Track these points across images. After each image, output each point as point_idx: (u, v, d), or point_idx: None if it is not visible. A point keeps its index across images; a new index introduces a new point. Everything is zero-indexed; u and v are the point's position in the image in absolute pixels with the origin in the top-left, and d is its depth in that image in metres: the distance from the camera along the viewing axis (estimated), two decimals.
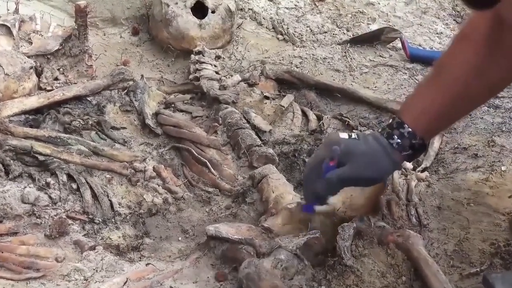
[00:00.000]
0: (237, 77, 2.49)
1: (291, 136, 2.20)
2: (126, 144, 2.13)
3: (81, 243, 1.73)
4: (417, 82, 2.61)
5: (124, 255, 1.76)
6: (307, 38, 2.93)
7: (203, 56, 2.53)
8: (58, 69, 2.31)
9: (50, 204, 1.82)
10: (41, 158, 1.91)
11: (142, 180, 2.00)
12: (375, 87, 2.64)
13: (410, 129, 1.47)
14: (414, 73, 2.72)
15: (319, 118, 2.32)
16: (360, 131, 2.24)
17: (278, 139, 2.19)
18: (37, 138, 1.98)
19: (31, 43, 2.32)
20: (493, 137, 2.22)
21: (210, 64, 2.50)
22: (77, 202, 1.86)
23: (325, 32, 2.98)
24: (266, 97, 2.38)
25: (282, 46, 2.90)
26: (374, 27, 3.03)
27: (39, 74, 2.25)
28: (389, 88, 2.63)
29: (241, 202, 1.95)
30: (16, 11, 2.45)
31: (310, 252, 1.58)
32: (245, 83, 2.45)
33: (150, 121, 2.21)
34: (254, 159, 2.06)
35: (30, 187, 1.84)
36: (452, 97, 1.45)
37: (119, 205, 1.91)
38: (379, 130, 1.52)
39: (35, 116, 2.11)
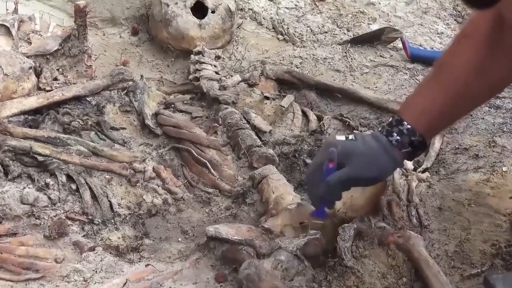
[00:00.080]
0: (237, 77, 2.48)
1: (291, 137, 2.20)
2: (125, 144, 2.12)
3: (80, 244, 1.73)
4: (417, 82, 2.61)
5: (123, 256, 1.75)
6: (308, 38, 2.93)
7: (203, 56, 2.53)
8: (58, 69, 2.31)
9: (50, 205, 1.82)
10: (40, 158, 1.91)
11: (142, 181, 1.99)
12: (376, 87, 2.64)
13: (409, 126, 1.46)
14: (415, 73, 2.72)
15: (320, 119, 2.31)
16: (361, 131, 2.24)
17: (278, 140, 2.19)
18: (36, 139, 1.98)
19: (30, 43, 2.32)
20: (494, 137, 2.22)
21: (210, 64, 2.50)
22: (76, 202, 1.86)
23: (326, 32, 2.97)
24: (266, 98, 2.38)
25: (282, 46, 2.89)
26: (374, 27, 3.03)
27: (38, 74, 2.25)
28: (390, 89, 2.63)
29: (241, 203, 1.95)
30: (15, 11, 2.45)
31: (310, 253, 1.57)
32: (245, 83, 2.45)
33: (149, 122, 2.20)
34: (254, 160, 2.06)
35: (29, 188, 1.84)
36: (453, 96, 1.45)
37: (118, 205, 1.90)
38: (379, 129, 1.52)
39: (34, 116, 2.11)
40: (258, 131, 2.19)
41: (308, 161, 2.06)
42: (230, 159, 2.11)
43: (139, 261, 1.73)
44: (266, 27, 2.98)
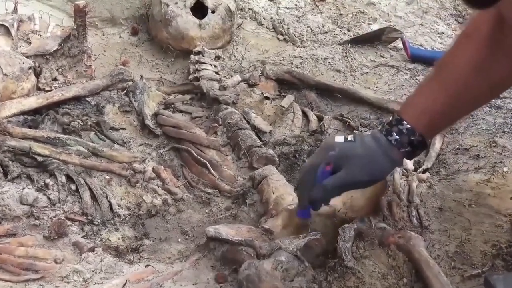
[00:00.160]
0: (237, 78, 2.48)
1: (291, 137, 2.19)
2: (125, 145, 2.12)
3: (80, 245, 1.73)
4: (418, 82, 2.60)
5: (123, 256, 1.75)
6: (308, 38, 2.92)
7: (203, 56, 2.53)
8: (57, 70, 2.30)
9: (49, 205, 1.82)
10: (39, 159, 1.91)
11: (142, 181, 1.99)
12: (376, 87, 2.63)
13: (409, 126, 1.45)
14: (415, 73, 2.72)
15: (320, 119, 2.31)
16: (361, 131, 2.23)
17: (278, 140, 2.18)
18: (35, 139, 1.97)
19: (29, 43, 2.31)
20: (494, 138, 2.22)
21: (210, 64, 2.50)
22: (76, 203, 1.86)
23: (326, 32, 2.97)
24: (266, 98, 2.37)
25: (283, 46, 2.89)
26: (375, 27, 3.02)
27: (37, 74, 2.24)
28: (390, 89, 2.62)
29: (241, 203, 1.94)
30: (15, 11, 2.44)
31: (310, 254, 1.57)
32: (245, 83, 2.44)
33: (149, 122, 2.20)
34: (254, 160, 2.05)
35: (28, 188, 1.83)
36: (453, 96, 1.45)
37: (118, 206, 1.90)
38: (379, 128, 1.51)
39: (33, 116, 2.10)
40: (258, 131, 2.18)
41: None
42: (230, 160, 2.11)
43: (139, 262, 1.73)
44: (266, 27, 2.98)
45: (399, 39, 2.87)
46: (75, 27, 2.34)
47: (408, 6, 3.20)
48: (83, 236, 1.78)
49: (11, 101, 2.10)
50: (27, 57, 2.22)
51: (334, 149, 1.48)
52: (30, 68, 2.18)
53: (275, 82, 2.52)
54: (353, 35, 2.96)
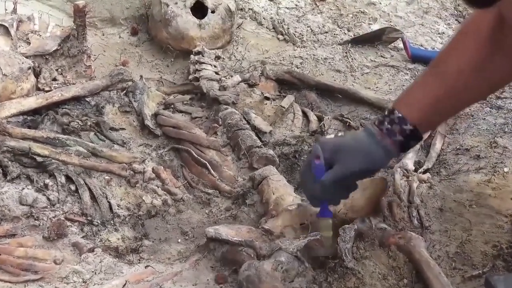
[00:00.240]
0: (237, 78, 2.47)
1: (291, 137, 2.19)
2: (125, 145, 2.12)
3: (79, 245, 1.73)
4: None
5: (123, 257, 1.75)
6: (308, 38, 2.92)
7: (203, 56, 2.52)
8: (57, 70, 2.30)
9: (49, 206, 1.81)
10: (39, 159, 1.91)
11: (141, 182, 1.99)
12: (377, 87, 2.63)
13: (400, 115, 1.45)
14: (416, 73, 2.71)
15: (320, 119, 2.31)
16: None
17: (278, 140, 2.18)
18: (35, 139, 1.97)
19: (29, 43, 2.31)
20: (495, 138, 2.21)
21: (210, 64, 2.49)
22: (75, 203, 1.86)
23: (326, 32, 2.97)
24: (267, 98, 2.37)
25: (283, 46, 2.89)
26: (375, 27, 3.02)
27: (37, 74, 2.24)
28: (391, 89, 2.62)
29: (241, 204, 1.94)
30: (14, 11, 2.44)
31: (310, 254, 1.57)
32: (245, 83, 2.44)
33: (149, 122, 2.20)
34: (254, 160, 2.05)
35: (28, 189, 1.83)
36: (450, 92, 1.45)
37: (118, 206, 1.90)
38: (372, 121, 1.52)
39: (33, 117, 2.10)
40: (258, 131, 2.18)
41: None
42: (230, 160, 2.11)
43: (139, 262, 1.73)
44: (266, 27, 2.98)
45: (400, 39, 2.87)
46: (74, 27, 2.34)
47: (409, 6, 3.19)
48: (82, 237, 1.78)
49: (11, 101, 2.10)
50: (26, 57, 2.22)
51: (322, 145, 1.49)
52: (29, 68, 2.18)
53: (275, 82, 2.52)
54: (354, 35, 2.96)
